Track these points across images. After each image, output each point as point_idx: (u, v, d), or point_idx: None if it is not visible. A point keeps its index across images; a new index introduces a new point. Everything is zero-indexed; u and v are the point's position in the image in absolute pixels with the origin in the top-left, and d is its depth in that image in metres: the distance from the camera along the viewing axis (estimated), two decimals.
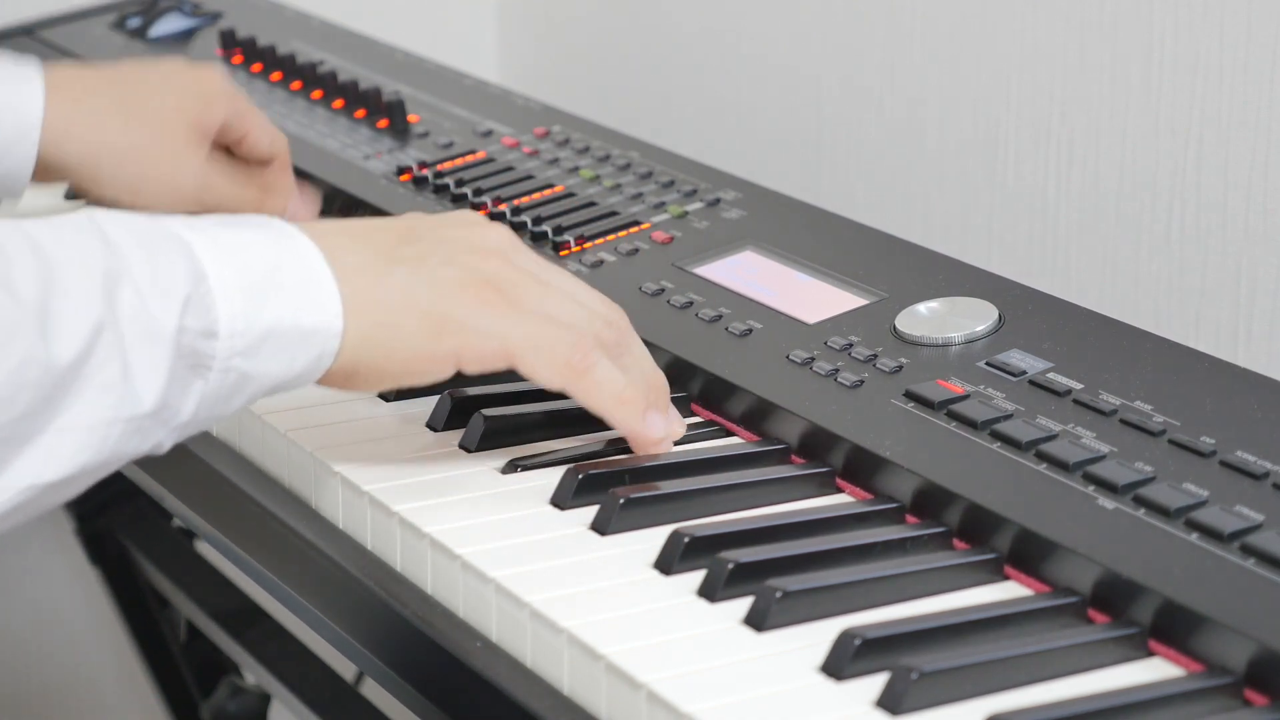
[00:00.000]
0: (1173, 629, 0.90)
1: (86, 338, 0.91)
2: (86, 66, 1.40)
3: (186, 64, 1.41)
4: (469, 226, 1.07)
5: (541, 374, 1.04)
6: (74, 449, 0.92)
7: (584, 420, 1.11)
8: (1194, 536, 0.93)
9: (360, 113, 1.57)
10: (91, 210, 0.97)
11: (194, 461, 1.18)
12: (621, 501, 1.01)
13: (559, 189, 1.41)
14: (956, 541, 1.00)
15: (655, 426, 1.07)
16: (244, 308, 0.96)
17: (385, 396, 1.17)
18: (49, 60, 1.43)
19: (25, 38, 1.82)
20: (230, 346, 0.96)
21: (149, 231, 0.96)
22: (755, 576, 0.94)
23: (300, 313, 0.98)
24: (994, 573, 0.97)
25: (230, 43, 1.72)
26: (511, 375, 1.18)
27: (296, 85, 1.64)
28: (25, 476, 0.91)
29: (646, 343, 1.19)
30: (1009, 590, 0.97)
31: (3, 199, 1.38)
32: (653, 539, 1.00)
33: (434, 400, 1.14)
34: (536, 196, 1.40)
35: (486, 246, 1.05)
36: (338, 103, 1.60)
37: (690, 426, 1.12)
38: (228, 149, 1.40)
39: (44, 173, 1.36)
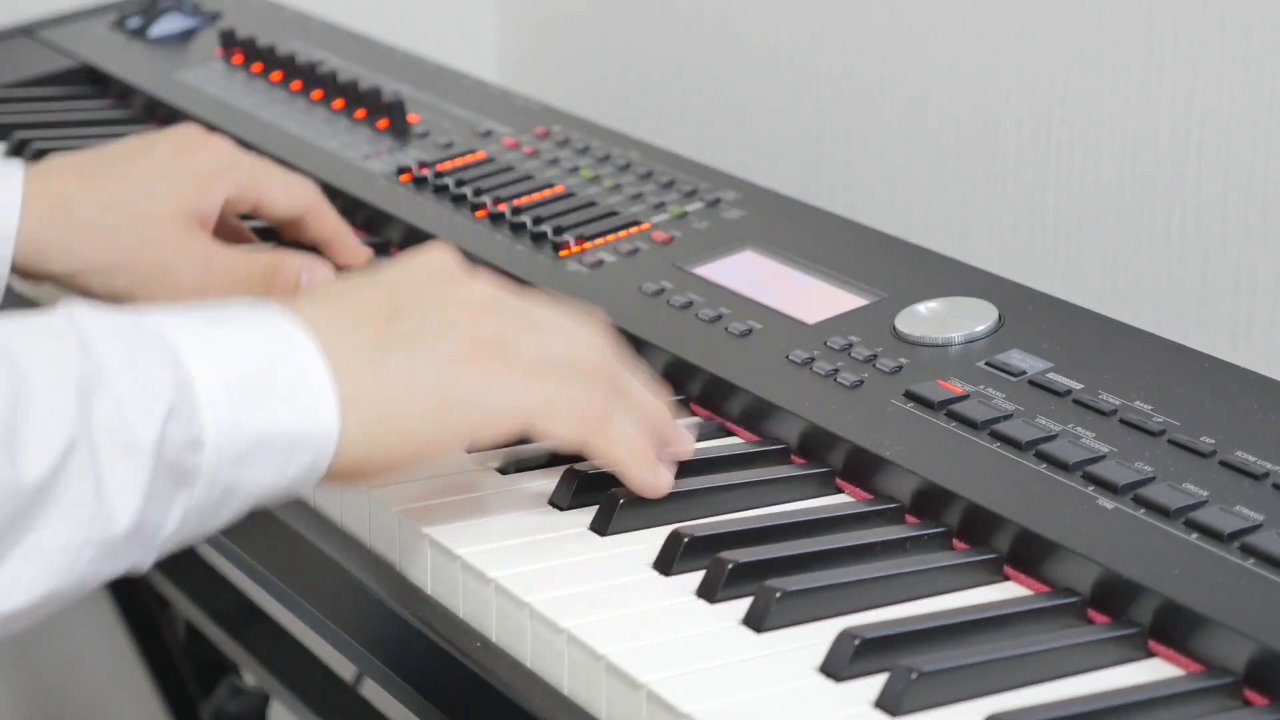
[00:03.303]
0: (1173, 629, 0.90)
1: (57, 455, 0.85)
2: (66, 165, 1.31)
3: (179, 145, 1.33)
4: (452, 283, 1.00)
5: (561, 434, 0.98)
6: (39, 574, 0.86)
7: None
8: (1194, 536, 0.93)
9: (360, 113, 1.57)
10: (70, 308, 0.90)
11: None
12: (621, 501, 1.01)
13: (559, 189, 1.41)
14: (956, 541, 1.00)
15: (665, 479, 1.02)
16: (232, 415, 0.90)
17: None
18: (35, 157, 1.38)
19: (25, 38, 1.82)
20: (217, 457, 0.89)
21: (131, 333, 0.90)
22: (755, 576, 0.94)
23: (293, 417, 0.92)
24: (994, 573, 0.97)
25: (230, 43, 1.72)
26: None
27: (296, 85, 1.64)
28: None
29: (647, 343, 1.19)
30: (1009, 590, 0.97)
31: None
32: (652, 539, 1.00)
33: None
34: (536, 196, 1.40)
35: (475, 303, 0.99)
36: (338, 103, 1.60)
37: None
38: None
39: (30, 277, 1.29)
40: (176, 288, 1.28)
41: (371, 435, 0.94)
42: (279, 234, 1.39)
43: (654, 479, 1.02)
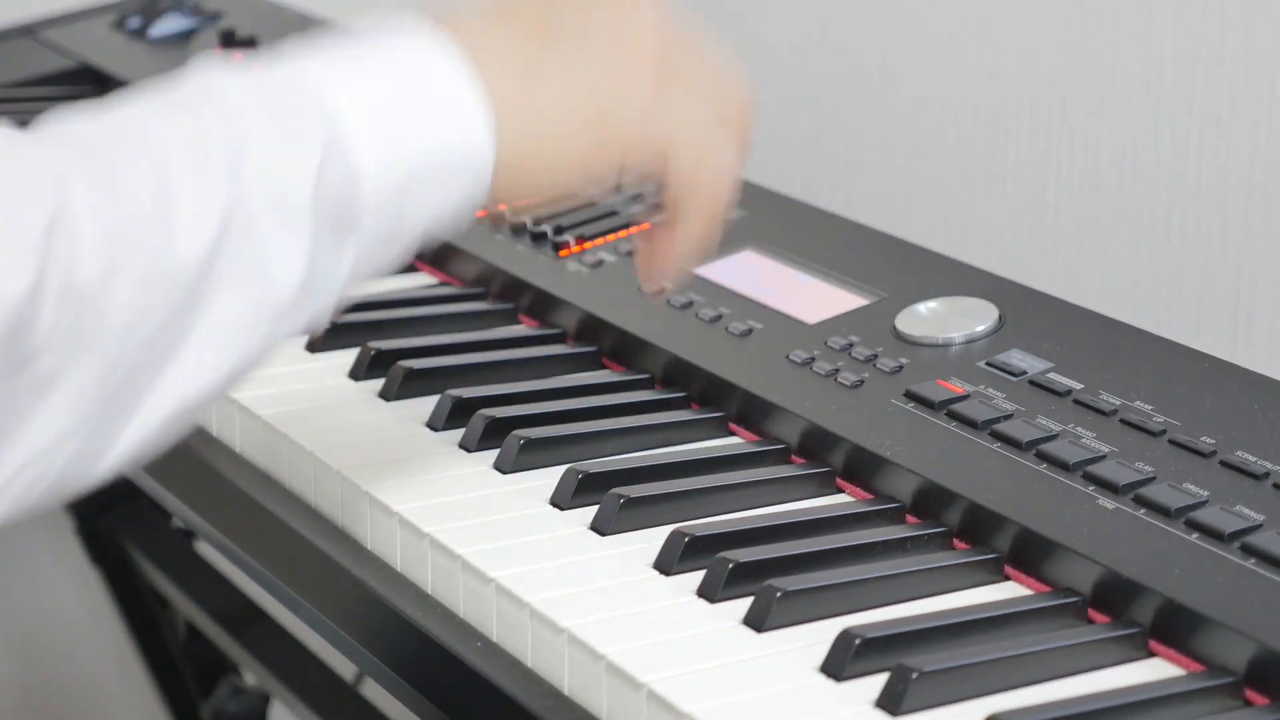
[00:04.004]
0: (1173, 629, 0.90)
1: (213, 228, 0.82)
2: None
3: None
4: (615, 7, 0.95)
5: (684, 175, 0.95)
6: (220, 352, 0.84)
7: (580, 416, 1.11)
8: (1194, 536, 0.93)
9: None
10: (204, 70, 0.87)
11: (194, 461, 1.18)
12: (621, 501, 1.01)
13: None
14: (956, 541, 1.00)
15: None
16: (385, 145, 0.86)
17: (385, 396, 1.17)
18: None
19: (25, 38, 1.82)
20: (377, 193, 0.86)
21: (271, 83, 0.86)
22: (755, 576, 0.94)
23: (445, 136, 0.88)
24: (994, 573, 0.97)
25: (230, 43, 1.72)
26: (512, 376, 1.18)
27: None
28: (172, 393, 0.83)
29: (647, 343, 1.19)
30: (1009, 590, 0.96)
31: None
32: (653, 539, 1.00)
33: (434, 400, 1.14)
34: None
35: (639, 26, 0.94)
36: None
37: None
38: None
39: None
40: None
41: (526, 152, 0.91)
42: None
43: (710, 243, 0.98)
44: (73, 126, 0.84)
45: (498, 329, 1.29)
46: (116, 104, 0.86)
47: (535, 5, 0.94)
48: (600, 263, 1.29)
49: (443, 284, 1.36)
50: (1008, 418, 1.04)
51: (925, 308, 1.16)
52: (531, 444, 1.08)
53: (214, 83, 0.86)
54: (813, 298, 1.20)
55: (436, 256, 1.37)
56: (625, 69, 0.93)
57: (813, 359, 1.13)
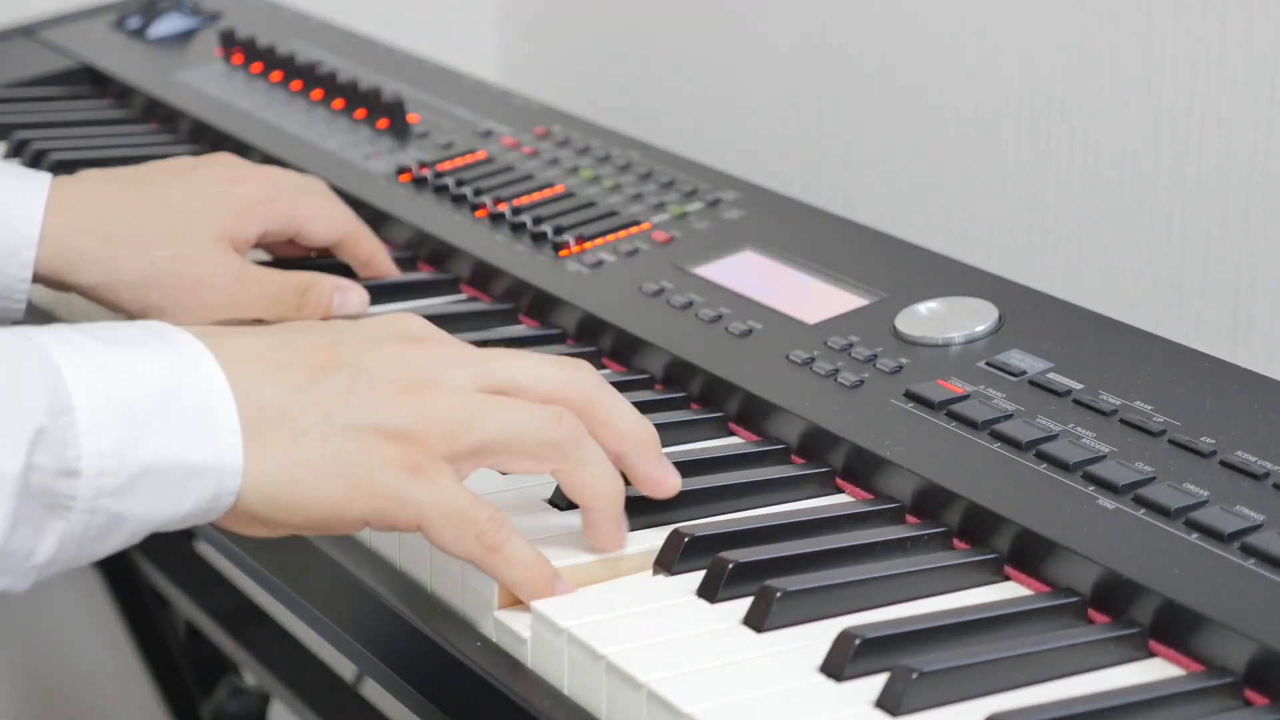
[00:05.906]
0: (1173, 629, 0.90)
1: None
2: (102, 178, 1.31)
3: (221, 174, 1.32)
4: (398, 344, 0.95)
5: (450, 549, 0.93)
6: None
7: None
8: (1194, 536, 0.93)
9: (360, 113, 1.57)
10: None
11: None
12: None
13: (559, 189, 1.41)
14: (956, 541, 1.00)
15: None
16: (117, 443, 0.86)
17: None
18: (56, 159, 1.38)
19: (25, 38, 1.82)
20: (97, 486, 0.86)
21: (15, 354, 0.86)
22: (755, 576, 0.94)
23: (190, 448, 0.88)
24: (994, 573, 0.97)
25: (230, 43, 1.72)
26: None
27: (296, 85, 1.63)
28: None
29: (647, 343, 1.19)
30: (1009, 590, 0.97)
31: None
32: (652, 539, 1.00)
33: None
34: (536, 196, 1.40)
35: (413, 376, 0.93)
36: (338, 103, 1.60)
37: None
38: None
39: (58, 287, 1.28)
40: (209, 304, 1.26)
41: (271, 491, 0.91)
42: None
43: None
44: None
45: (498, 329, 1.29)
46: None
47: (318, 339, 0.95)
48: (600, 263, 1.29)
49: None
50: (1008, 418, 1.04)
51: (925, 308, 1.16)
52: None
53: None
54: (813, 298, 1.20)
55: (435, 256, 1.37)
56: (384, 428, 0.92)
57: (813, 359, 1.13)
